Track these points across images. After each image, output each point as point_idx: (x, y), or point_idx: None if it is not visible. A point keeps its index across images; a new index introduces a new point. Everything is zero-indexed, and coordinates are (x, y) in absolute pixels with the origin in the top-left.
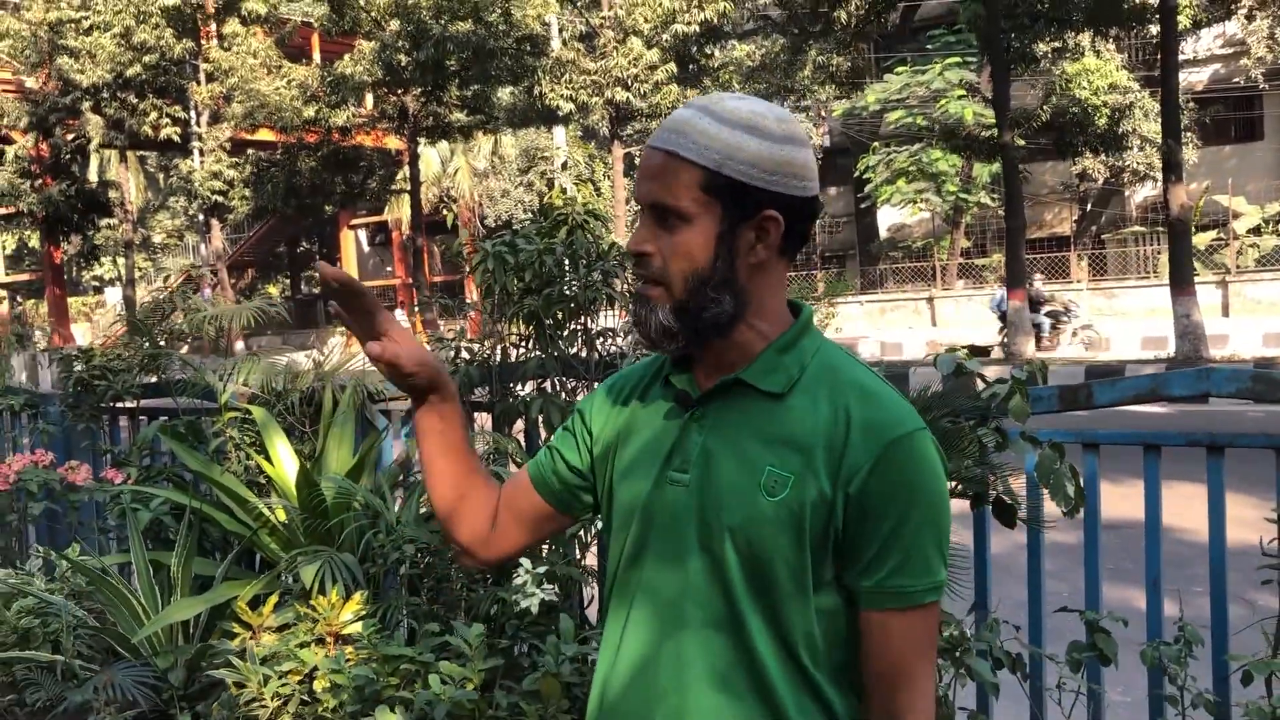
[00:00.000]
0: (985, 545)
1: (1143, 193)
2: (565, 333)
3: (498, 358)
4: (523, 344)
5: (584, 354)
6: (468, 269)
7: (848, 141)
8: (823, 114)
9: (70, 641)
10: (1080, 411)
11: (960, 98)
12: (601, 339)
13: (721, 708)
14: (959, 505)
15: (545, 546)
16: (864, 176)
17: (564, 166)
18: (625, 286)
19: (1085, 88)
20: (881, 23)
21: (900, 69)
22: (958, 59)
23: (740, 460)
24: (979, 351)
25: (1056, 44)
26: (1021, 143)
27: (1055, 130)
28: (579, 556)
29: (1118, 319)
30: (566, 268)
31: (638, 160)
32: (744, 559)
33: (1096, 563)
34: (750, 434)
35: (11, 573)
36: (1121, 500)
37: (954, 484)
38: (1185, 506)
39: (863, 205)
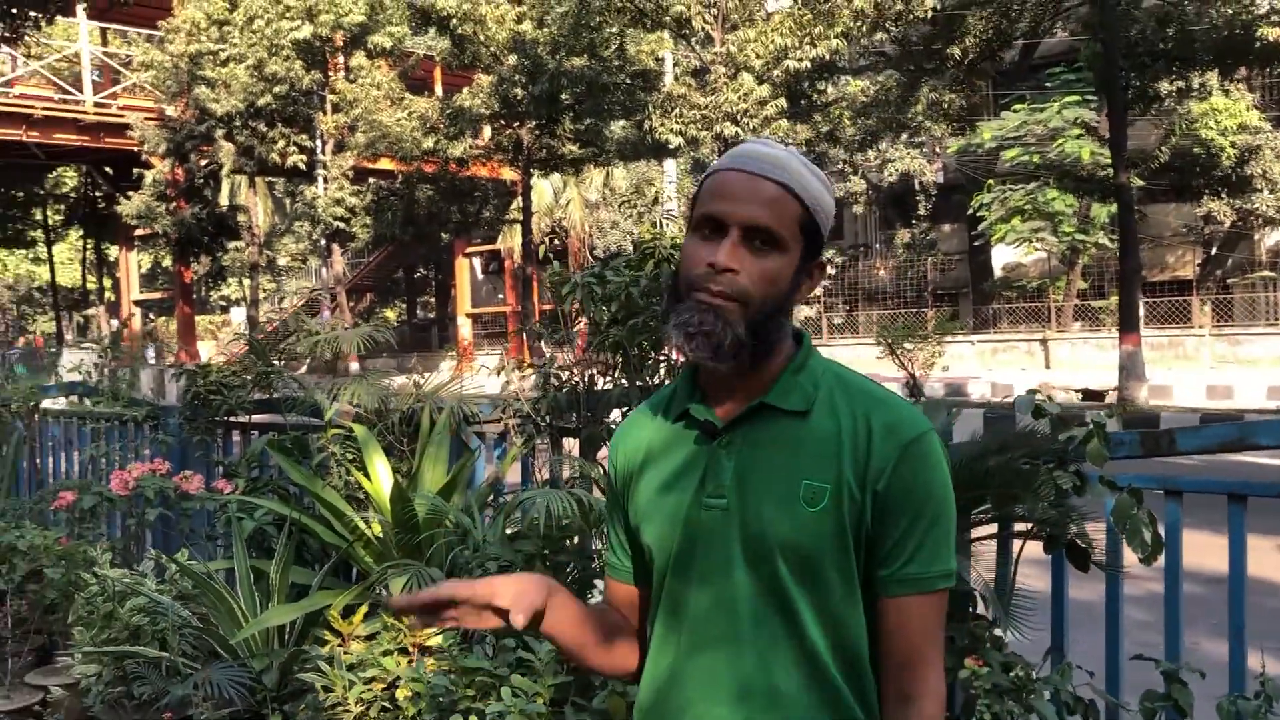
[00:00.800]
0: (1063, 589)
1: (1273, 237)
2: (649, 363)
3: (585, 385)
4: (609, 373)
5: (666, 384)
6: (558, 299)
7: (962, 178)
8: (936, 150)
9: (175, 640)
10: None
11: (1078, 137)
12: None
13: (787, 710)
14: (1033, 548)
15: None
16: (978, 214)
17: (655, 201)
18: None
19: (1212, 128)
20: (997, 60)
21: (1018, 106)
22: (1077, 97)
23: (777, 478)
24: (1093, 395)
25: (1180, 83)
26: (1140, 183)
27: (1176, 171)
28: None
29: (1243, 367)
30: (653, 300)
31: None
32: (796, 569)
33: (1177, 612)
34: (782, 452)
35: (126, 573)
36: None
37: (1029, 525)
38: None
39: (976, 243)
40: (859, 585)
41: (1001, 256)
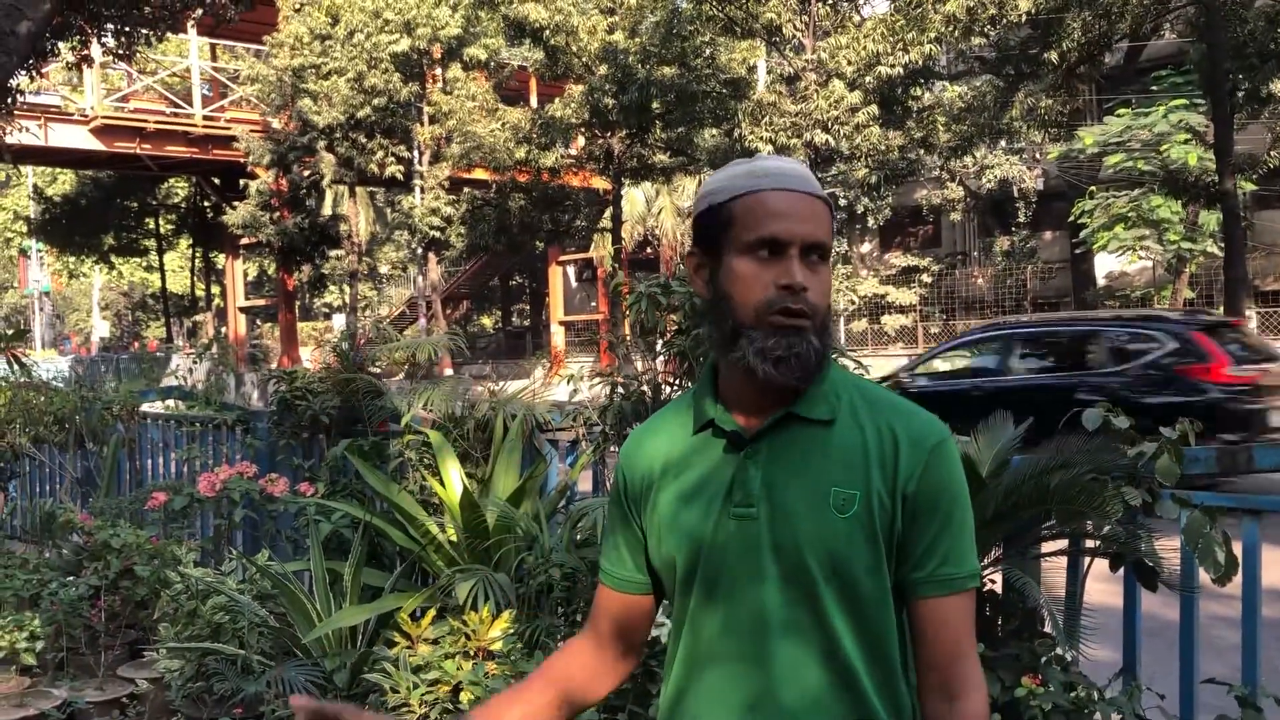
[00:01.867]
0: (1135, 609)
1: None
2: None
3: (651, 394)
4: (675, 382)
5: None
6: (625, 308)
7: (1063, 185)
8: (1037, 156)
9: (254, 638)
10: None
11: (1185, 141)
12: None
13: (816, 713)
14: (1099, 566)
15: None
16: (1080, 221)
17: None
18: None
19: None
20: (1098, 63)
21: (1122, 111)
22: (1184, 101)
23: (806, 487)
24: None
25: None
26: (1251, 188)
27: None
28: None
29: None
30: None
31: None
32: (829, 576)
33: (1255, 634)
34: (810, 461)
35: (209, 572)
36: None
37: (1094, 543)
38: None
39: (1078, 251)
40: (889, 591)
41: (1105, 265)
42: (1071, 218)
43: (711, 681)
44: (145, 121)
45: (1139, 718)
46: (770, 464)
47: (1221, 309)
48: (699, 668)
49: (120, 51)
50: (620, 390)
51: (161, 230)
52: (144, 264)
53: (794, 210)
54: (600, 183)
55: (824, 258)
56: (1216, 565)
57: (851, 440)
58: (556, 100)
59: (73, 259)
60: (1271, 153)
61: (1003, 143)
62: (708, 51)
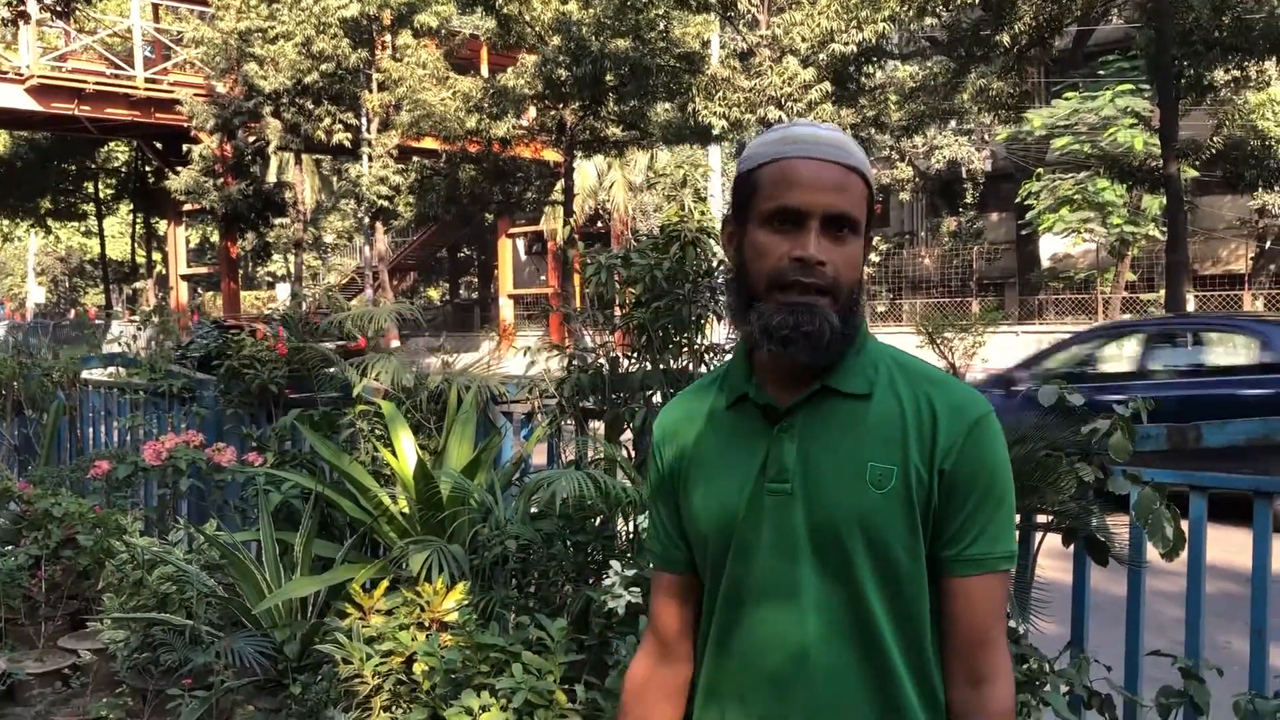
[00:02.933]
0: (1084, 582)
1: None
2: (671, 346)
3: (608, 368)
4: (634, 355)
5: (690, 368)
6: (579, 279)
7: (1011, 167)
8: (986, 138)
9: (202, 609)
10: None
11: (1131, 126)
12: (710, 354)
13: (850, 703)
14: (1051, 541)
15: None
16: (1026, 203)
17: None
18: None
19: (1269, 118)
20: (1049, 47)
21: (1070, 94)
22: (1130, 86)
23: (842, 462)
24: None
25: (1236, 73)
26: (1193, 174)
27: (1229, 163)
28: None
29: None
30: (677, 284)
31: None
32: (866, 552)
33: (1198, 609)
34: (846, 435)
35: (155, 542)
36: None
37: (1048, 518)
38: None
39: (1024, 232)
40: (924, 566)
41: (1049, 247)
42: (1018, 199)
43: (743, 658)
44: (84, 82)
45: (1087, 689)
46: (805, 438)
47: (1163, 292)
48: (730, 645)
49: (58, 8)
50: (577, 363)
51: (101, 195)
52: (82, 229)
53: (817, 180)
54: (552, 155)
55: (854, 231)
56: (1165, 540)
57: (889, 414)
58: (509, 70)
59: (6, 222)
60: (1213, 139)
61: (952, 123)
62: (662, 25)
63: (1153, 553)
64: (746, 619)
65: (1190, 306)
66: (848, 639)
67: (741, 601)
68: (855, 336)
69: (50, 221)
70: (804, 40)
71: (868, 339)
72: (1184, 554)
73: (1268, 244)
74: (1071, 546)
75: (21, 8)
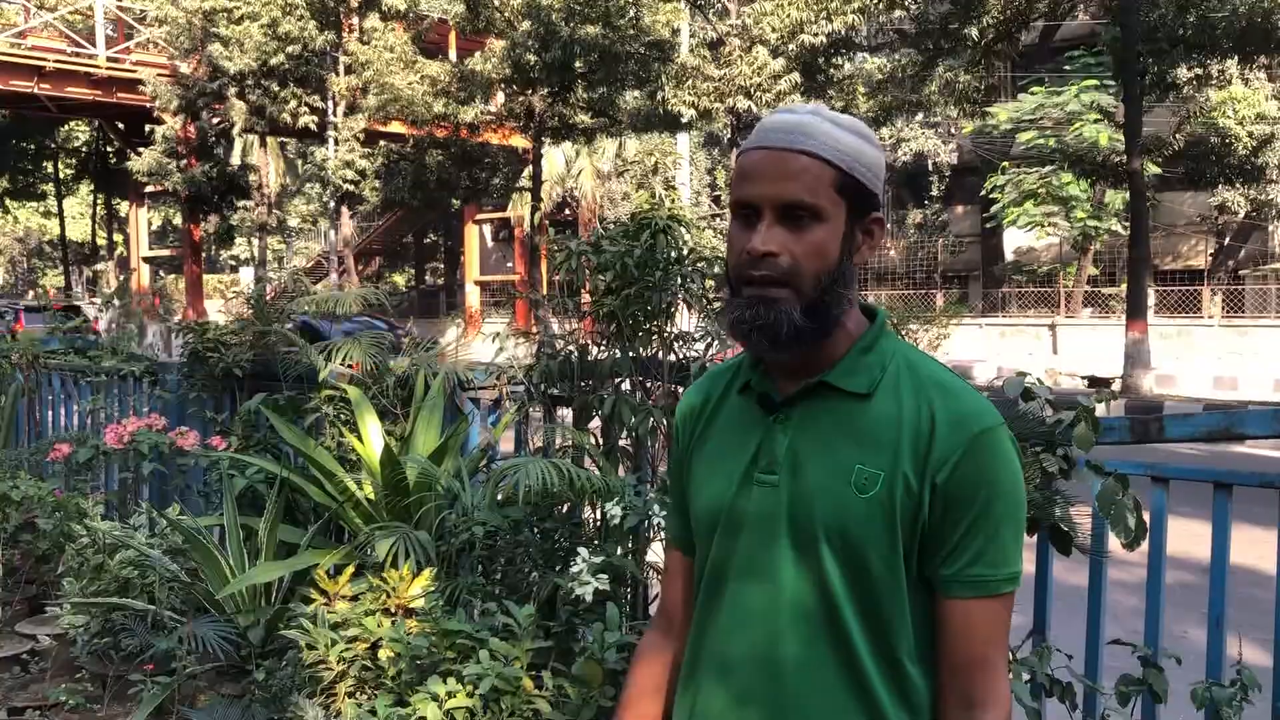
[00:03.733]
0: (1047, 572)
1: None
2: (641, 333)
3: (578, 354)
4: (604, 342)
5: (660, 356)
6: (549, 266)
7: (976, 160)
8: (951, 131)
9: (164, 594)
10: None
11: (1095, 121)
12: (679, 342)
13: (817, 696)
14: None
15: (599, 539)
16: (991, 196)
17: (654, 170)
18: (705, 291)
19: (1230, 116)
20: (1015, 41)
21: (1036, 89)
22: (1095, 81)
23: (829, 460)
24: (1099, 382)
25: (1199, 70)
26: (1155, 170)
27: (1191, 160)
28: (639, 550)
29: (1249, 358)
30: (647, 271)
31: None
32: (839, 555)
33: (1158, 599)
34: (838, 434)
35: (117, 526)
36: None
37: None
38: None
39: (988, 226)
40: (905, 582)
41: (1013, 240)
42: (983, 193)
43: (718, 640)
44: (44, 60)
45: (1049, 677)
46: (799, 432)
47: (1125, 286)
48: (707, 625)
49: None
50: (546, 350)
51: (61, 175)
52: (41, 209)
53: (764, 170)
54: (520, 141)
55: (817, 217)
56: (1127, 530)
57: (886, 417)
58: (477, 54)
59: None
60: (1176, 136)
61: (919, 116)
62: (632, 12)
63: (1113, 543)
64: (725, 603)
65: (1151, 300)
66: (820, 631)
67: (722, 585)
68: (831, 329)
69: (8, 201)
70: (774, 30)
71: (883, 336)
72: (1143, 544)
73: (1226, 240)
74: (1034, 536)
75: None
